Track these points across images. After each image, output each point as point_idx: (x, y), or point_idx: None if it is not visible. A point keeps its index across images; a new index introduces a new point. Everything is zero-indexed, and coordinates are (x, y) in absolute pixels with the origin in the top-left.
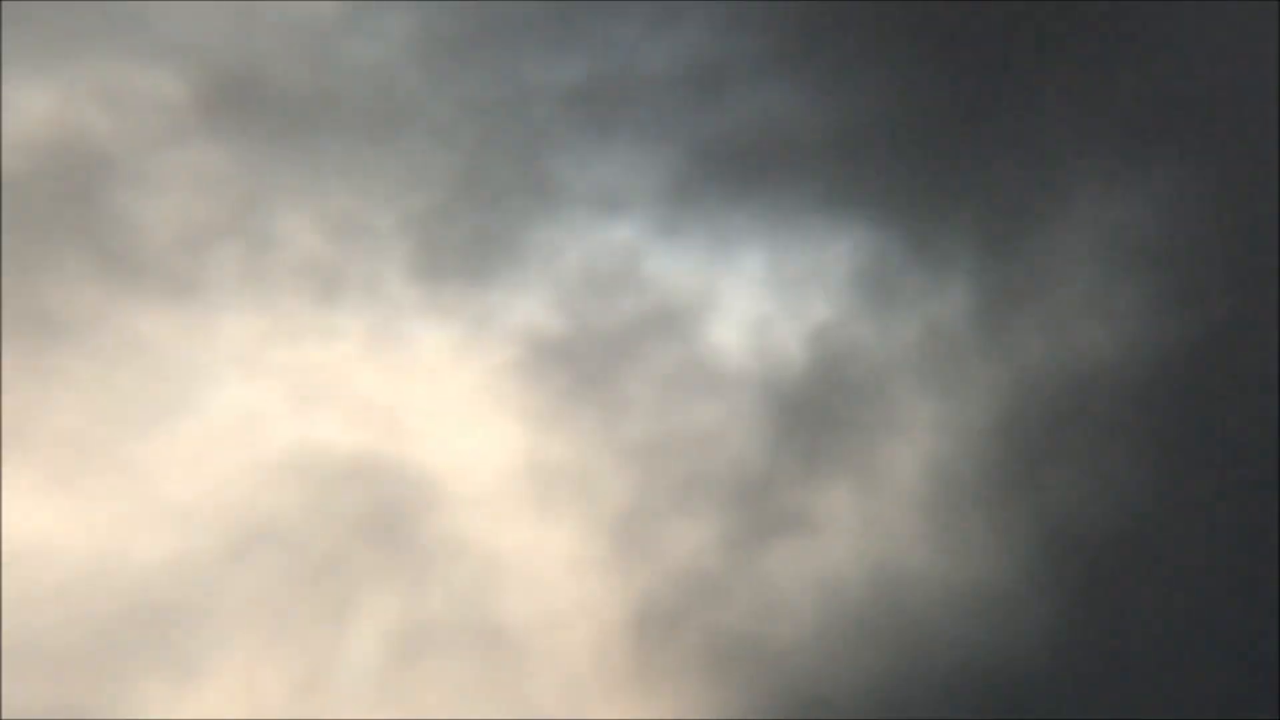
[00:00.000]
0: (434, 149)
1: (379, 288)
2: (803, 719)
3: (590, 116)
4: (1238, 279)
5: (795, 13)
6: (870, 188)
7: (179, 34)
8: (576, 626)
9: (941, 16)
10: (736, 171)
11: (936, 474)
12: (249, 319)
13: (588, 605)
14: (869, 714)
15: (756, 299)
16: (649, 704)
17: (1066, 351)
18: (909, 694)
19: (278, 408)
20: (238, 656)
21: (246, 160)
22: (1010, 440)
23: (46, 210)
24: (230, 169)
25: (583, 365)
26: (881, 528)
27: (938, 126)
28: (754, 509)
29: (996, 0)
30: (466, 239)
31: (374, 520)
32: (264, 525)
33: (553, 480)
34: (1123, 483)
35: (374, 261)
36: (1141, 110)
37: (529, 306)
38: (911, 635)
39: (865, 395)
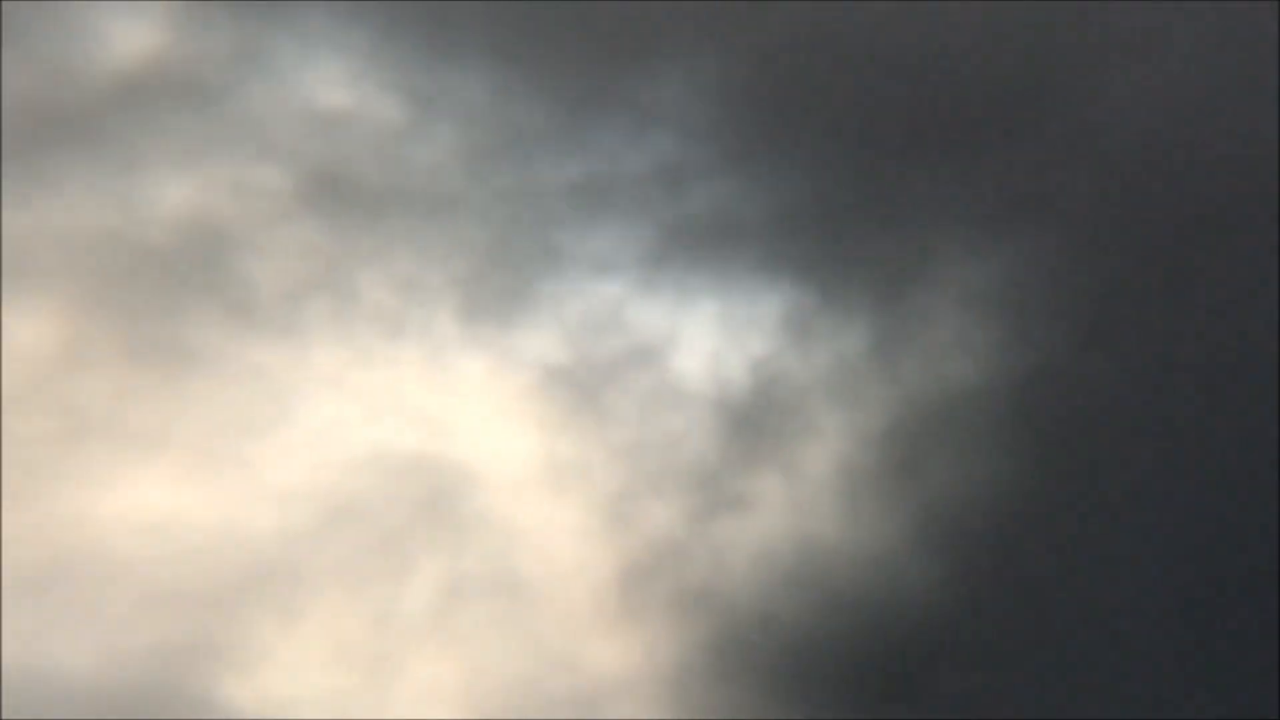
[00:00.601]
0: (472, 226)
1: (431, 329)
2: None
3: (587, 202)
4: (1068, 325)
5: (737, 127)
6: (794, 255)
7: (284, 139)
8: (577, 581)
9: (844, 131)
10: (695, 243)
11: (844, 468)
12: (335, 351)
13: (586, 565)
14: (792, 647)
15: (710, 338)
16: (630, 639)
17: (940, 377)
18: (822, 634)
19: (356, 417)
20: (326, 602)
21: (334, 234)
22: (899, 443)
23: (184, 271)
24: (322, 240)
25: (582, 387)
26: (803, 509)
27: (843, 209)
28: (708, 493)
29: (882, 118)
30: (496, 293)
31: (427, 501)
32: (346, 505)
33: (560, 471)
34: (983, 475)
35: (428, 309)
36: (995, 195)
37: (542, 343)
38: (825, 590)
39: (791, 409)
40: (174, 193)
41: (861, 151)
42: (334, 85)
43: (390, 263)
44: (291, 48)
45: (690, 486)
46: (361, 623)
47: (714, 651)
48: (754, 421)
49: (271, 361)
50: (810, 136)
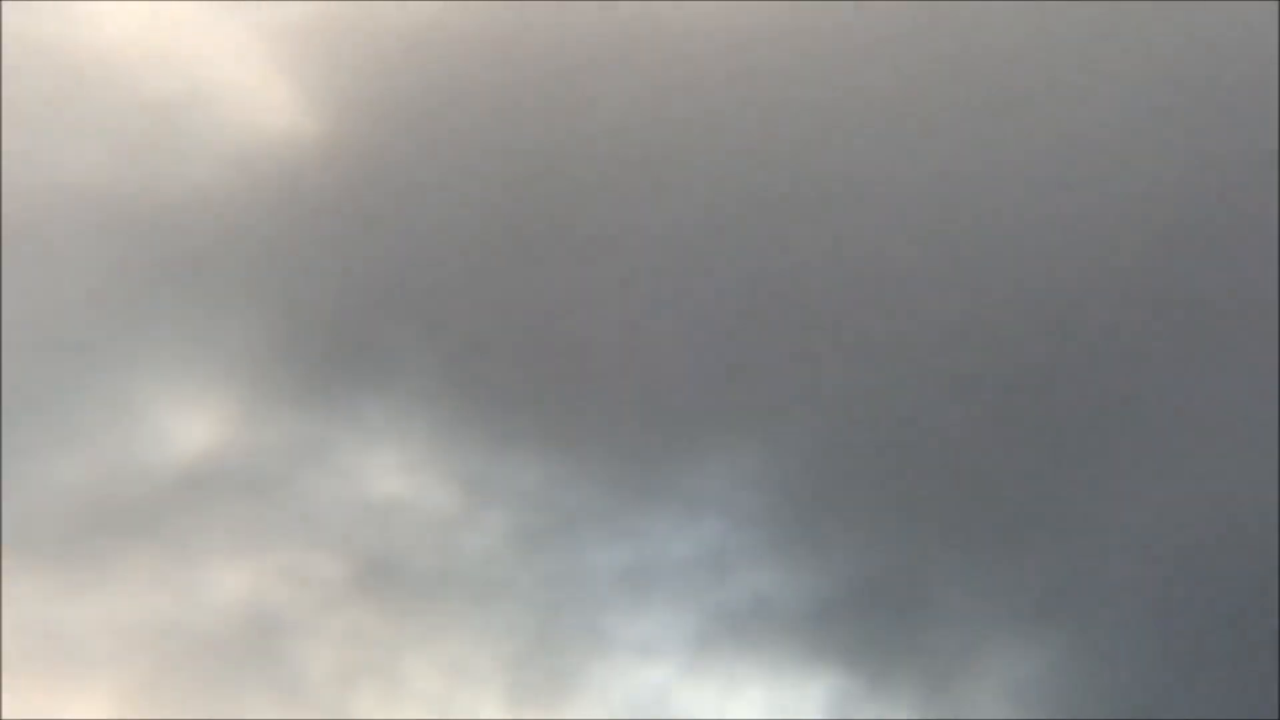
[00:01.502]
0: (520, 610)
1: (478, 712)
2: None
3: (633, 588)
4: (1113, 714)
5: (781, 515)
6: (838, 642)
7: (339, 527)
8: None
9: (886, 519)
10: (740, 630)
11: None
12: None
13: None
14: None
15: None
16: None
17: None
18: None
19: None
20: None
21: (384, 619)
22: None
23: (237, 657)
24: (372, 626)
25: None
26: None
27: (887, 597)
28: None
29: (924, 508)
30: (542, 677)
31: None
32: None
33: None
34: None
35: (475, 693)
36: (1038, 586)
37: None
38: None
39: None
40: (230, 580)
41: (905, 540)
42: (389, 474)
43: (439, 646)
44: (349, 438)
45: None
46: None
47: None
48: None
49: None
50: (853, 525)
